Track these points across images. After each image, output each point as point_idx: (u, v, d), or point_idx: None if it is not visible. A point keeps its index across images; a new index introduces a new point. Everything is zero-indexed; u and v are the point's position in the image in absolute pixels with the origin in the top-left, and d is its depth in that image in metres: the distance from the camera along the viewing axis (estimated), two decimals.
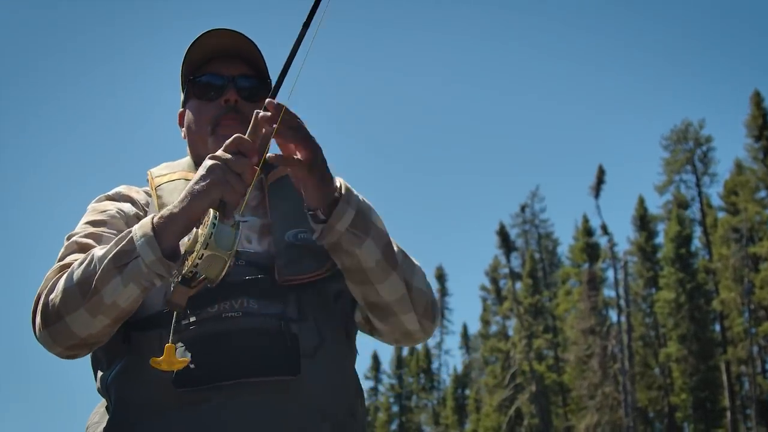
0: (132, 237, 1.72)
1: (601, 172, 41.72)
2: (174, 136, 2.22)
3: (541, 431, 41.06)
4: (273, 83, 1.84)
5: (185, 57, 2.13)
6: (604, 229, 41.77)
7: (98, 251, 1.77)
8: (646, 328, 40.69)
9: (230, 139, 1.74)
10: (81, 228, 1.99)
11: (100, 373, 1.97)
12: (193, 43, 2.10)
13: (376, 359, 62.58)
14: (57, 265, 1.89)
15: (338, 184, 1.84)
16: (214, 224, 1.63)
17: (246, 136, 1.74)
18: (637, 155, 72.79)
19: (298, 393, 1.83)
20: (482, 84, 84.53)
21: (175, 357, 1.69)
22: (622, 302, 38.54)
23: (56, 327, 1.78)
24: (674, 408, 38.47)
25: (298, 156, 1.77)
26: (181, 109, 2.21)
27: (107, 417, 1.90)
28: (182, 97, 2.21)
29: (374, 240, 1.84)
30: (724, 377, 36.43)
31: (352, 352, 2.09)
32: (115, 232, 1.93)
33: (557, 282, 47.18)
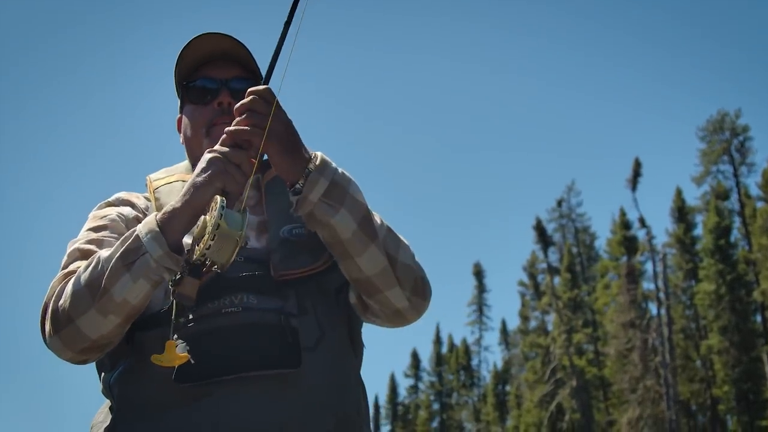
0: (137, 235, 1.74)
1: (638, 165, 41.42)
2: (173, 141, 2.27)
3: (583, 426, 40.88)
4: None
5: (177, 63, 2.15)
6: (642, 222, 41.47)
7: (104, 253, 1.78)
8: (686, 321, 40.34)
9: (224, 135, 1.78)
10: (83, 235, 2.00)
11: (103, 375, 1.99)
12: (185, 48, 2.11)
13: (415, 357, 62.74)
14: (61, 273, 1.90)
15: (313, 157, 1.84)
16: (222, 207, 1.65)
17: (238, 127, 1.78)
18: (673, 147, 72.21)
19: (300, 386, 1.82)
20: (516, 79, 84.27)
21: (176, 353, 1.71)
22: (662, 295, 38.22)
23: (67, 331, 1.78)
24: (717, 400, 38.14)
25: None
26: (179, 115, 2.23)
27: (111, 416, 1.91)
28: (179, 103, 2.24)
29: (349, 210, 1.83)
30: (767, 368, 36.05)
31: (357, 346, 2.09)
32: (116, 235, 1.95)
33: (595, 276, 46.89)
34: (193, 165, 2.13)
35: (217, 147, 1.78)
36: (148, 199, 2.13)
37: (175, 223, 1.73)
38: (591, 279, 47.69)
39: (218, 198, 1.68)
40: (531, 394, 44.84)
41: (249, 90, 1.81)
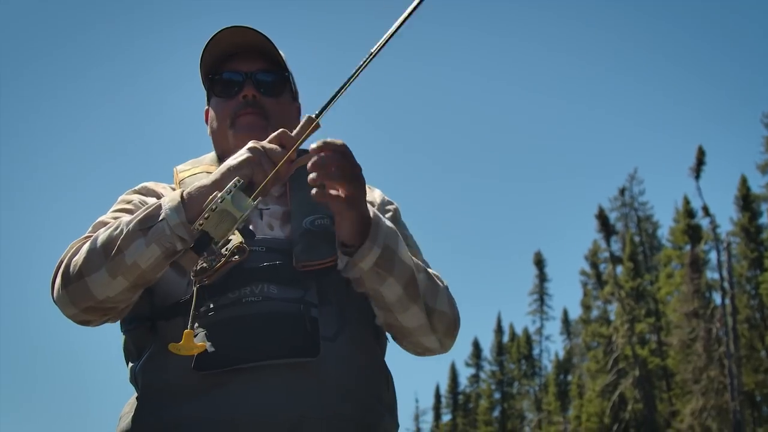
0: (160, 204, 1.77)
1: (701, 153, 40.78)
2: (202, 132, 2.31)
3: (645, 416, 40.52)
4: (291, 76, 2.02)
5: (203, 56, 2.17)
6: (706, 211, 40.83)
7: (125, 218, 1.82)
8: (751, 311, 39.63)
9: (276, 132, 1.81)
10: (108, 214, 2.04)
11: (130, 364, 2.02)
12: (210, 41, 2.13)
13: (476, 346, 62.57)
14: (83, 236, 1.94)
15: (373, 216, 1.86)
16: (235, 185, 1.67)
17: (292, 134, 1.81)
18: (737, 134, 70.71)
19: (318, 374, 1.82)
20: (579, 69, 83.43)
21: (194, 342, 1.73)
22: (726, 284, 37.56)
23: (76, 286, 1.81)
24: None
25: (340, 192, 1.78)
26: (207, 107, 2.26)
27: (135, 405, 1.94)
28: (206, 95, 2.27)
29: (397, 278, 1.87)
30: None
31: (380, 337, 2.09)
32: None
33: (658, 265, 46.32)
34: (220, 156, 2.18)
35: (263, 142, 1.82)
36: (173, 189, 2.14)
37: (198, 199, 1.75)
38: (654, 268, 47.04)
39: (236, 178, 1.70)
40: (593, 383, 44.45)
41: (325, 142, 1.78)
